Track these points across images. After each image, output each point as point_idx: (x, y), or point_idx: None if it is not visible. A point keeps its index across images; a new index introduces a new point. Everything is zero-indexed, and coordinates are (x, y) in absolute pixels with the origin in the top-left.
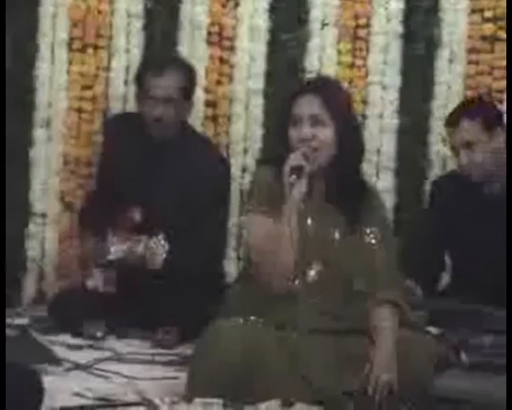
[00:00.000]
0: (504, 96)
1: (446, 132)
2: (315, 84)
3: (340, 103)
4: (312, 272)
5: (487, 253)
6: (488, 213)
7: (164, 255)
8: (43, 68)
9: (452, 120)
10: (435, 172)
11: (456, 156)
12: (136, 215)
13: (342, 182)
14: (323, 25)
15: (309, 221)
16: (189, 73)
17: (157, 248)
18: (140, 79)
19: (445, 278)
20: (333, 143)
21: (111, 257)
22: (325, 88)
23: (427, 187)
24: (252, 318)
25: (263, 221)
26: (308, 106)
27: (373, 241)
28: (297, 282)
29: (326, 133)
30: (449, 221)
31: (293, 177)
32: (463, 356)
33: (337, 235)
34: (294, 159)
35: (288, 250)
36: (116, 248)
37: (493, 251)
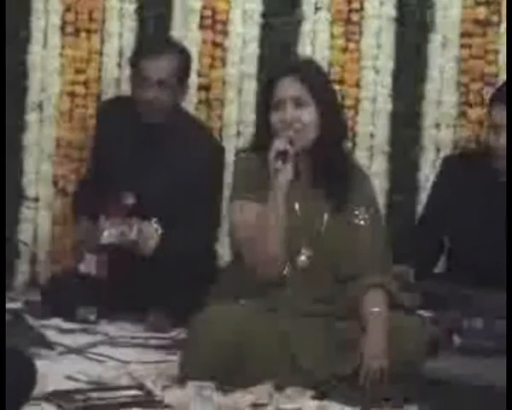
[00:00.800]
0: (497, 80)
1: (490, 108)
2: (293, 66)
3: (320, 84)
4: (302, 258)
5: (489, 239)
6: (496, 201)
7: (157, 240)
8: (35, 53)
9: (500, 97)
10: (428, 155)
11: (495, 136)
12: (129, 200)
13: (327, 163)
14: (316, 9)
15: (296, 206)
16: (183, 56)
17: (150, 232)
18: (134, 62)
19: (442, 261)
20: (316, 124)
21: (103, 241)
22: (304, 69)
23: (422, 171)
24: (243, 301)
25: (249, 208)
26: (289, 88)
27: (361, 222)
28: (287, 268)
29: (308, 115)
30: (452, 204)
31: (279, 162)
32: (455, 339)
33: (325, 218)
34: (279, 144)
35: (275, 237)
36: (109, 233)
37: (495, 237)
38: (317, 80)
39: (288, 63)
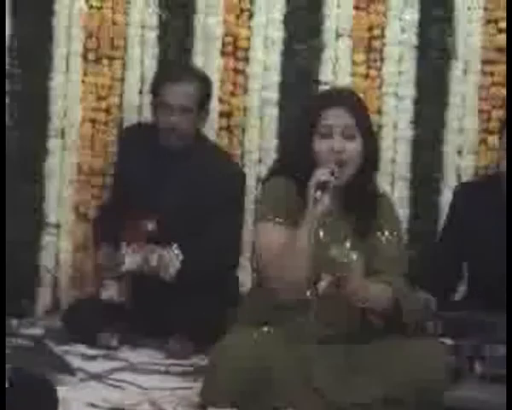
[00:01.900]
0: None
1: (502, 133)
2: (343, 96)
3: (366, 117)
4: (323, 284)
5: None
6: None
7: (178, 265)
8: (57, 79)
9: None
10: (450, 182)
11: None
12: (150, 225)
13: (358, 193)
14: (338, 35)
15: (321, 233)
16: (204, 82)
17: (171, 258)
18: (156, 88)
19: (462, 289)
20: (358, 157)
21: (125, 268)
22: (353, 101)
23: (443, 197)
24: (265, 328)
25: (277, 231)
26: (340, 118)
27: (382, 240)
28: (308, 293)
29: (354, 146)
30: (469, 230)
31: (319, 193)
32: (477, 367)
33: (348, 245)
34: (322, 174)
35: (302, 263)
36: (130, 259)
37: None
38: (362, 113)
39: (337, 93)
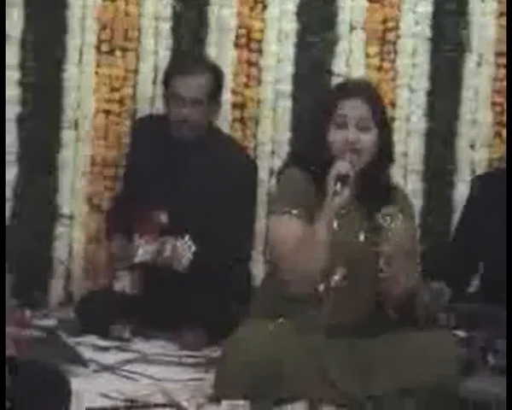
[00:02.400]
0: None
1: None
2: (360, 88)
3: (381, 109)
4: (336, 277)
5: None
6: None
7: (190, 257)
8: (71, 71)
9: None
10: (463, 175)
11: None
12: (163, 217)
13: (371, 185)
14: (351, 28)
15: (335, 225)
16: (216, 74)
17: (183, 249)
18: (168, 80)
19: (476, 282)
20: (373, 149)
21: (138, 259)
22: (369, 92)
23: (456, 190)
24: (278, 320)
25: (292, 223)
26: (356, 109)
27: (392, 225)
28: (322, 286)
29: (369, 137)
30: (485, 223)
31: (339, 185)
32: (490, 359)
33: (362, 238)
34: (342, 167)
35: (320, 256)
36: (143, 251)
37: None
38: (379, 105)
39: (352, 84)
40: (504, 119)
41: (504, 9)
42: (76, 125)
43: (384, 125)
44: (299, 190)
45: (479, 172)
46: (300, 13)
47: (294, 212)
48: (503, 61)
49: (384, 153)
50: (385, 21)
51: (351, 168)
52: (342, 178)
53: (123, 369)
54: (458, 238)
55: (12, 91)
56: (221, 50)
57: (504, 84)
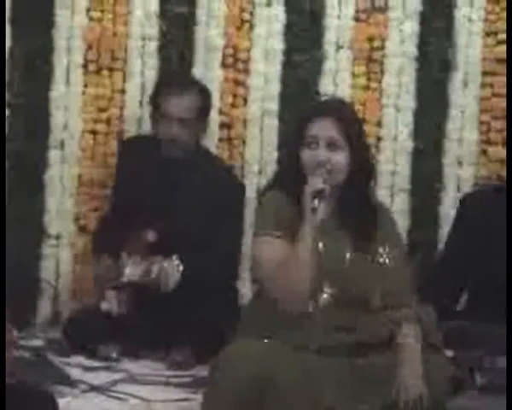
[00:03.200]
0: None
1: None
2: (331, 107)
3: (354, 127)
4: (324, 296)
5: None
6: None
7: (178, 277)
8: (58, 91)
9: None
10: (450, 193)
11: None
12: (151, 236)
13: (352, 204)
14: (338, 47)
15: (320, 245)
16: (204, 94)
17: (171, 269)
18: (155, 99)
19: (463, 300)
20: (345, 168)
21: (125, 279)
22: (341, 111)
23: (443, 207)
24: (267, 339)
25: (276, 244)
26: (325, 129)
27: (386, 261)
28: (310, 305)
29: (340, 157)
30: (474, 241)
31: (316, 201)
32: (477, 378)
33: (348, 257)
34: (316, 183)
35: (302, 275)
36: (130, 270)
37: None
38: (351, 123)
39: (324, 103)
40: (490, 137)
41: (491, 30)
42: (63, 146)
43: (358, 145)
44: (279, 210)
45: (465, 189)
46: (287, 32)
47: (276, 233)
48: (490, 80)
49: (360, 172)
50: (371, 40)
51: (323, 183)
52: (318, 194)
53: (111, 389)
54: (446, 256)
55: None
56: (208, 70)
57: (490, 102)
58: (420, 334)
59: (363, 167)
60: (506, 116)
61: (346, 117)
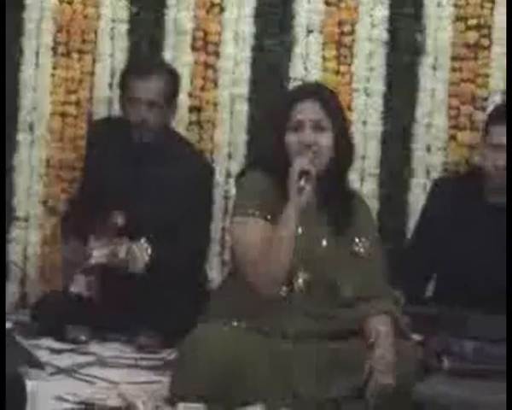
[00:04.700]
0: (487, 103)
1: (489, 128)
2: (314, 90)
3: (338, 110)
4: (300, 281)
5: (479, 261)
6: (487, 222)
7: (146, 259)
8: (27, 72)
9: (500, 119)
10: (419, 178)
11: (493, 156)
12: (119, 219)
13: (332, 189)
14: (308, 31)
15: (299, 230)
16: (173, 77)
17: (139, 251)
18: (124, 82)
19: (431, 286)
20: (331, 150)
21: (93, 261)
22: (324, 94)
23: (412, 193)
24: (235, 323)
25: (258, 225)
26: (310, 111)
27: (361, 250)
28: (284, 289)
29: (326, 139)
30: (443, 228)
31: (302, 181)
32: (445, 362)
33: (324, 243)
34: (302, 163)
35: (286, 255)
36: (98, 253)
37: (484, 258)
38: (334, 106)
39: (308, 87)
40: (460, 122)
41: (460, 15)
42: (32, 128)
43: (341, 128)
44: (262, 192)
45: (434, 175)
46: (257, 16)
47: (258, 214)
48: (459, 64)
49: (342, 155)
50: (341, 25)
51: (310, 164)
52: (305, 175)
53: (79, 372)
54: (415, 243)
55: None
56: (178, 53)
57: (460, 87)
58: (392, 323)
59: (346, 151)
60: (506, 116)
61: (330, 100)
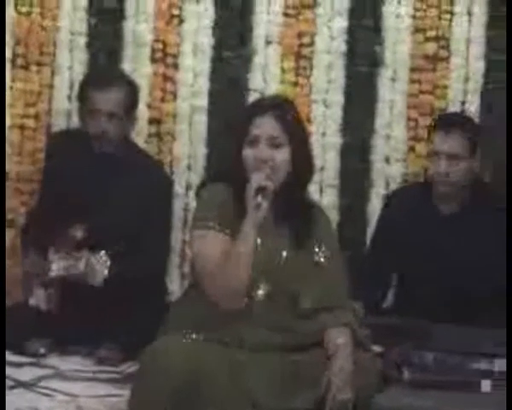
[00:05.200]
0: None
1: (431, 136)
2: (271, 105)
3: (295, 124)
4: (260, 292)
5: (435, 271)
6: (441, 232)
7: (105, 272)
8: None
9: (441, 125)
10: (378, 190)
11: (435, 164)
12: (79, 232)
13: (291, 201)
14: (267, 43)
15: (258, 241)
16: (132, 89)
17: (98, 264)
18: (83, 94)
19: (390, 296)
20: (288, 165)
21: (52, 274)
22: (282, 109)
23: (371, 204)
24: (194, 335)
25: (217, 239)
26: (266, 127)
27: (321, 260)
28: (245, 301)
29: (282, 155)
30: (398, 238)
31: (259, 197)
32: (405, 373)
33: (284, 255)
34: (259, 179)
35: (244, 270)
36: (57, 266)
37: (442, 269)
38: (293, 121)
39: (265, 101)
40: (418, 134)
41: (419, 26)
42: None
43: (299, 142)
44: (222, 205)
45: (393, 186)
46: (216, 27)
47: (218, 227)
48: (418, 76)
49: (301, 169)
50: (300, 36)
51: (268, 181)
52: (262, 191)
53: (38, 385)
54: (372, 253)
55: None
56: (137, 65)
57: (419, 99)
58: (350, 335)
59: (304, 165)
60: (506, 118)
61: (287, 114)
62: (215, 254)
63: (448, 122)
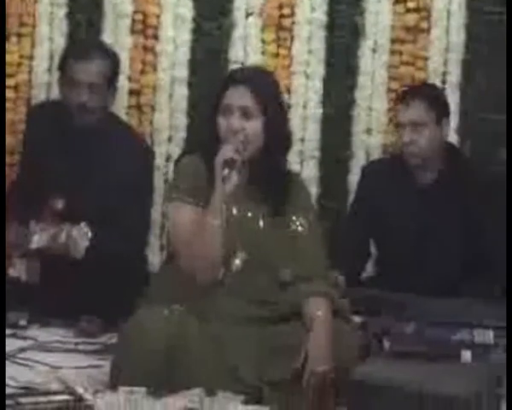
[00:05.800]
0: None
1: (396, 109)
2: (246, 75)
3: (270, 95)
4: (237, 262)
5: (414, 242)
6: (418, 202)
7: (86, 243)
8: None
9: (404, 97)
10: (359, 161)
11: (400, 134)
12: (59, 204)
13: (267, 171)
14: (248, 14)
15: (234, 211)
16: (112, 59)
17: (79, 236)
18: (63, 65)
19: (370, 267)
20: (260, 136)
21: (33, 246)
22: (256, 79)
23: (352, 175)
24: (175, 306)
25: (190, 211)
26: (239, 97)
27: (299, 229)
28: (222, 271)
29: (254, 126)
30: (376, 208)
31: (226, 170)
32: (385, 344)
33: (261, 223)
34: (227, 152)
35: (215, 242)
36: (38, 237)
37: (421, 240)
38: (267, 92)
39: (240, 71)
40: None
41: None
42: None
43: (274, 113)
44: (195, 177)
45: (374, 157)
46: None
47: (190, 199)
48: (399, 47)
49: (275, 140)
50: (281, 8)
51: (235, 152)
52: (229, 163)
53: (18, 356)
54: (350, 224)
55: None
56: (117, 36)
57: (399, 70)
58: (330, 305)
59: (279, 136)
60: (506, 114)
61: (262, 85)
62: (188, 225)
63: (409, 94)
